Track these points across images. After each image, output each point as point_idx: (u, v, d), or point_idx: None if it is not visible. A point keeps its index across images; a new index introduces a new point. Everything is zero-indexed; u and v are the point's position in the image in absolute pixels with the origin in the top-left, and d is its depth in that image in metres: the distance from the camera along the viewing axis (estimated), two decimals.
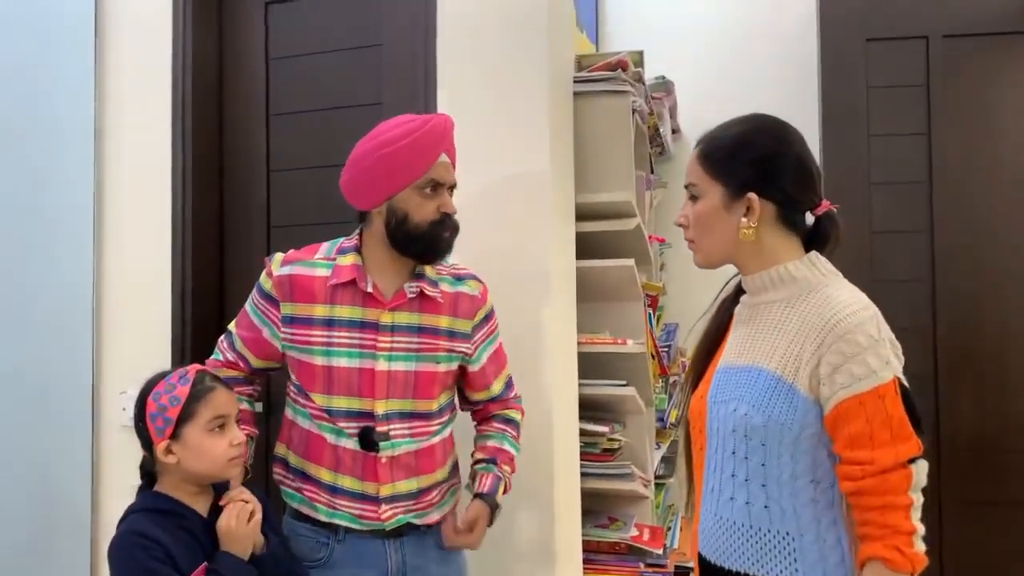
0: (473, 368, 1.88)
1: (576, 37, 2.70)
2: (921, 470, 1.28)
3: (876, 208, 3.25)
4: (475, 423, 2.00)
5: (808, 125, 3.37)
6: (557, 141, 2.29)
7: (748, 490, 1.37)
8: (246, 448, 1.76)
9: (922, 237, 3.23)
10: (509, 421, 1.97)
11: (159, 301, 2.61)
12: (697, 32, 3.61)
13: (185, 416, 1.58)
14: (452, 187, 1.79)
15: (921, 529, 1.27)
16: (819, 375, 1.31)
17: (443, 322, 1.81)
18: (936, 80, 3.23)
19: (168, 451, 1.58)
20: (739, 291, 1.53)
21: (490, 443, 1.93)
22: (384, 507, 1.77)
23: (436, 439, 1.83)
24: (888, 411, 1.27)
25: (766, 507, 1.36)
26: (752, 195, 1.39)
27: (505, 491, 1.89)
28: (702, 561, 1.48)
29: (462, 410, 1.98)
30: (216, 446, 1.59)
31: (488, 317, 1.90)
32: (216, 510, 1.63)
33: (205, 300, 2.65)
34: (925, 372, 3.18)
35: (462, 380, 1.91)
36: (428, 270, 1.83)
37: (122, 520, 1.61)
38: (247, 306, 1.86)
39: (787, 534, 1.34)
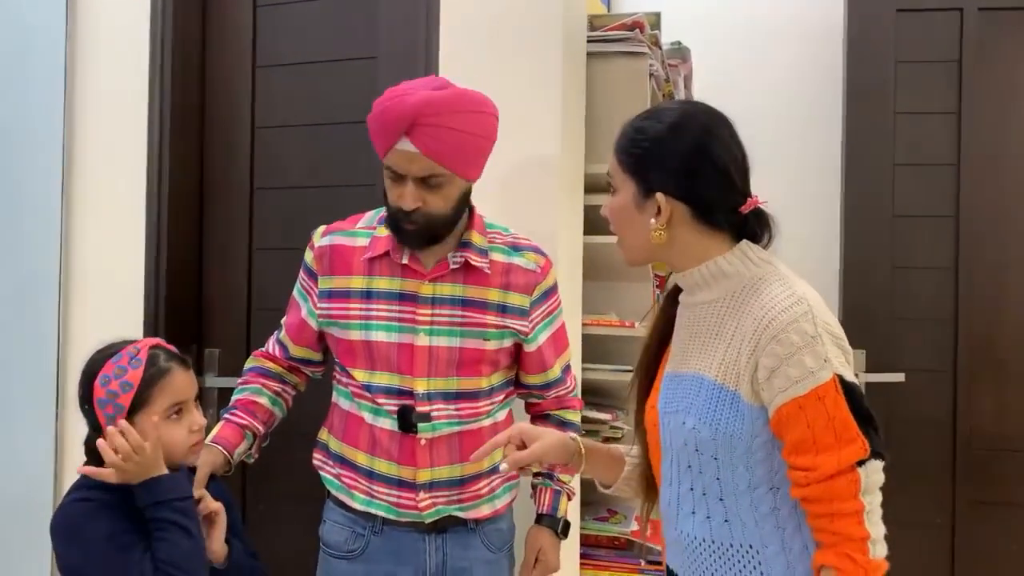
0: (529, 348, 1.74)
1: None
2: (872, 471, 1.19)
3: (899, 191, 3.07)
4: (530, 418, 1.87)
5: (831, 99, 3.24)
6: (569, 105, 2.12)
7: (707, 504, 1.30)
8: (255, 438, 1.69)
9: (947, 223, 3.07)
10: (565, 424, 1.84)
11: (131, 270, 2.44)
12: None
13: (139, 404, 1.43)
14: (428, 179, 1.56)
15: (877, 533, 1.19)
16: (757, 380, 1.23)
17: (492, 295, 1.68)
18: (969, 56, 3.04)
19: None
20: (678, 289, 1.42)
21: None
22: (422, 495, 1.65)
23: (486, 422, 1.70)
24: (829, 413, 1.18)
25: (726, 521, 1.28)
26: (660, 196, 1.29)
27: (569, 499, 1.83)
28: (671, 575, 1.40)
29: (517, 396, 1.84)
30: (174, 434, 1.46)
31: (548, 294, 1.75)
32: None
33: (181, 268, 2.48)
34: (944, 365, 3.05)
35: (517, 361, 1.77)
36: (476, 238, 1.69)
37: (66, 495, 1.48)
38: (295, 287, 1.78)
39: (751, 547, 1.27)
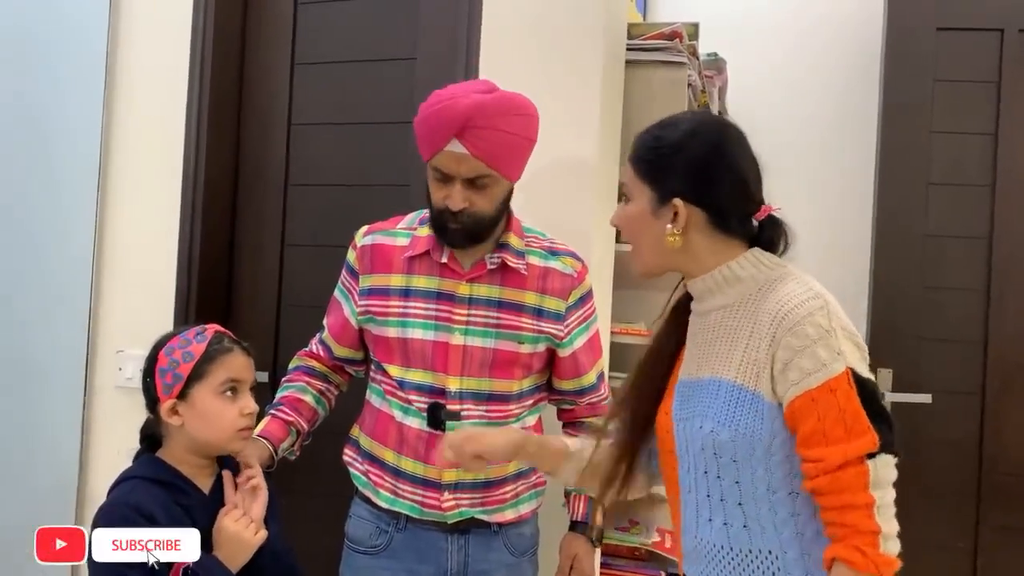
0: (563, 353, 1.74)
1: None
2: (882, 466, 1.19)
3: (933, 210, 3.04)
4: (561, 424, 1.87)
5: (866, 116, 3.21)
6: (607, 112, 2.12)
7: (724, 510, 1.30)
8: (298, 435, 1.72)
9: (980, 244, 3.03)
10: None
11: (165, 257, 2.46)
12: (752, 8, 3.41)
13: (196, 375, 1.46)
14: (475, 180, 1.58)
15: (890, 529, 1.19)
16: (773, 373, 1.25)
17: (529, 298, 1.68)
18: (1008, 77, 3.00)
19: (173, 411, 1.46)
20: (689, 297, 1.43)
21: None
22: (446, 495, 1.65)
23: (514, 426, 1.70)
24: (840, 406, 1.19)
25: (745, 527, 1.28)
26: (678, 201, 1.31)
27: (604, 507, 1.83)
28: None
29: (549, 402, 1.84)
30: (225, 412, 1.47)
31: (584, 299, 1.75)
32: (220, 488, 1.51)
33: (214, 257, 2.51)
34: (972, 388, 3.01)
35: (551, 366, 1.77)
36: (514, 240, 1.70)
37: (117, 484, 1.48)
38: (336, 288, 1.79)
39: (770, 552, 1.27)
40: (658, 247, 1.34)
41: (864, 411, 1.20)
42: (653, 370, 1.46)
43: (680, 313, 1.44)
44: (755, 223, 1.34)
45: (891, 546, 1.18)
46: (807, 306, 1.23)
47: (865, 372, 1.23)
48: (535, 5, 2.11)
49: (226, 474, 1.52)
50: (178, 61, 2.46)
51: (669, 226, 1.31)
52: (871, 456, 1.19)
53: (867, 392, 1.21)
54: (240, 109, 2.55)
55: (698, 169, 1.32)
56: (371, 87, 2.40)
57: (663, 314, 1.48)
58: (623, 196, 1.41)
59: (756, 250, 1.33)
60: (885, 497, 1.19)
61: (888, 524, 1.19)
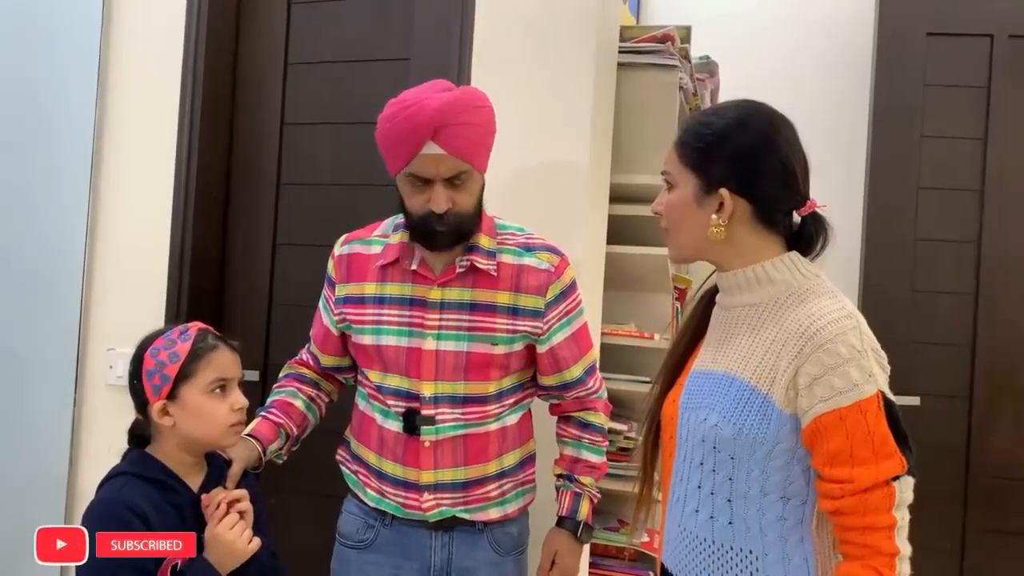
0: (542, 349, 1.72)
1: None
2: (905, 488, 1.20)
3: (922, 214, 3.07)
4: (556, 420, 1.87)
5: (857, 121, 3.24)
6: (598, 115, 2.13)
7: (713, 504, 1.30)
8: (287, 438, 1.72)
9: (969, 248, 3.06)
10: (586, 426, 1.83)
11: (156, 255, 2.46)
12: (744, 12, 3.43)
13: (184, 375, 1.46)
14: (453, 178, 1.57)
15: (905, 551, 1.19)
16: (796, 386, 1.22)
17: (502, 298, 1.66)
18: (998, 82, 3.04)
19: (164, 412, 1.46)
20: (717, 289, 1.42)
21: (566, 452, 1.83)
22: (426, 495, 1.67)
23: (493, 425, 1.70)
24: (870, 427, 1.18)
25: (730, 523, 1.28)
26: (724, 191, 1.29)
27: (592, 503, 1.81)
28: (664, 573, 1.40)
29: (538, 397, 1.83)
30: (216, 409, 1.47)
31: (565, 294, 1.71)
32: (210, 487, 1.51)
33: (205, 256, 2.51)
34: (960, 391, 3.04)
35: (534, 362, 1.75)
36: (484, 240, 1.67)
37: (107, 479, 1.47)
38: (320, 299, 1.80)
39: (750, 552, 1.27)
40: (699, 237, 1.32)
41: (891, 434, 1.19)
42: (673, 358, 1.45)
43: (707, 303, 1.43)
44: (797, 218, 1.31)
45: (904, 568, 1.18)
46: (840, 324, 1.21)
47: (890, 395, 1.22)
48: (528, 6, 2.12)
49: (205, 499, 1.49)
50: (171, 60, 2.46)
51: (714, 216, 1.29)
52: (896, 478, 1.19)
53: (892, 415, 1.20)
54: (233, 108, 2.55)
55: (746, 159, 1.28)
56: (364, 87, 2.40)
57: (690, 305, 1.47)
58: (666, 183, 1.36)
59: (794, 254, 1.31)
60: (904, 519, 1.19)
61: (904, 546, 1.19)
